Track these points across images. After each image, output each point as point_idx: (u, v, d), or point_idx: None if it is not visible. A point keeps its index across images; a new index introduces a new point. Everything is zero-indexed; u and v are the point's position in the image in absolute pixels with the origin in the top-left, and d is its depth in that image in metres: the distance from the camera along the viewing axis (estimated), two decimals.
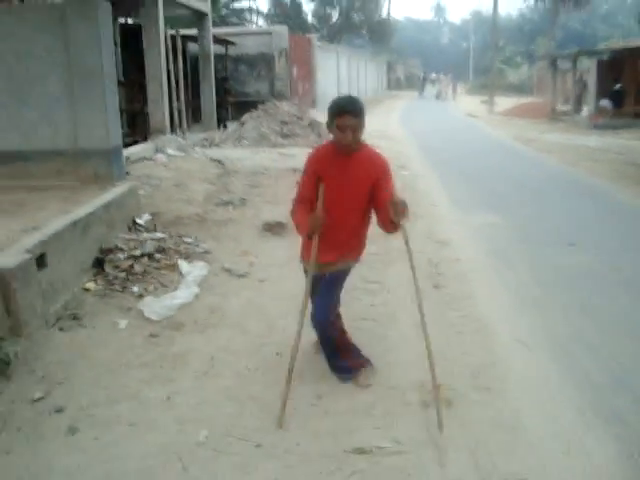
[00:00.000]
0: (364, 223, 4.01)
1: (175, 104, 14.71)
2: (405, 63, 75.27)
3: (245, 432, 3.56)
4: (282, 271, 6.25)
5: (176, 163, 10.87)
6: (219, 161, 11.53)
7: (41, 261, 4.82)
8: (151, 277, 5.83)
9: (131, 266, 5.90)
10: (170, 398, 3.95)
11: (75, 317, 5.04)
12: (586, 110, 26.13)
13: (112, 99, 7.28)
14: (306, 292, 3.79)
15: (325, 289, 3.99)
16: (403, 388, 4.02)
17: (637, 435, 3.53)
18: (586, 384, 4.11)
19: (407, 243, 3.70)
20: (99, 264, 5.87)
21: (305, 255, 4.02)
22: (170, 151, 11.97)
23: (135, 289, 5.59)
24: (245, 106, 19.78)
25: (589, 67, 27.13)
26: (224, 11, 42.64)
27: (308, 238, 3.83)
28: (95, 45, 6.97)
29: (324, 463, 3.29)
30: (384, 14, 63.05)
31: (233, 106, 20.90)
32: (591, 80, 25.91)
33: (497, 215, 8.71)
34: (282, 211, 7.88)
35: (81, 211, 5.92)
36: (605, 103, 25.32)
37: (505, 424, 3.66)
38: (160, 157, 11.02)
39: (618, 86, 25.75)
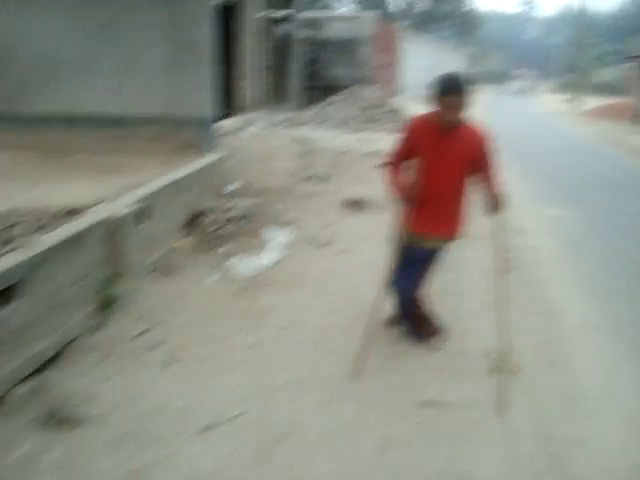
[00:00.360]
0: (461, 196, 4.04)
1: (263, 83, 15.11)
2: (490, 56, 74.24)
3: (322, 379, 3.87)
4: (361, 244, 6.54)
5: (262, 139, 11.28)
6: (303, 140, 11.87)
7: (142, 215, 5.23)
8: (238, 240, 6.20)
9: (219, 228, 6.28)
10: (254, 345, 4.29)
11: (169, 270, 5.45)
12: None
13: (209, 73, 7.68)
14: (392, 261, 3.97)
15: (419, 263, 4.10)
16: (473, 354, 4.26)
17: None
18: None
19: (498, 233, 3.93)
20: (190, 224, 6.28)
21: (406, 223, 4.03)
22: (256, 127, 12.39)
23: (222, 249, 5.97)
24: (329, 89, 20.12)
25: None
26: None
27: (405, 204, 3.95)
28: (199, 21, 7.39)
29: (393, 411, 3.57)
30: (470, 6, 62.30)
31: (317, 89, 21.21)
32: None
33: (574, 209, 8.80)
34: (362, 189, 8.17)
35: (177, 174, 6.34)
36: None
37: (566, 394, 3.87)
38: (248, 132, 11.44)
39: None
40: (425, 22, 53.93)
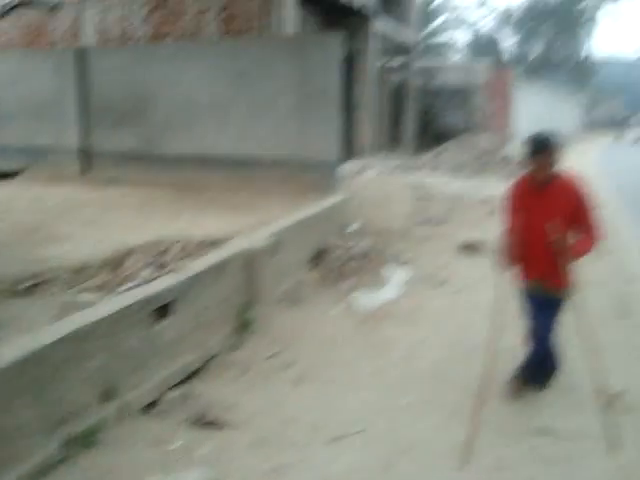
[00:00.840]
0: (565, 248, 4.08)
1: (379, 129, 15.64)
2: (607, 103, 72.52)
3: (440, 404, 4.16)
4: (476, 285, 6.77)
5: (379, 182, 11.71)
6: (419, 185, 12.23)
7: (275, 248, 5.71)
8: (359, 276, 6.59)
9: (343, 265, 6.69)
10: (377, 371, 4.64)
11: (296, 300, 5.89)
12: None
13: (336, 118, 8.18)
14: (497, 315, 3.98)
15: (547, 309, 4.23)
16: (583, 391, 4.43)
17: None
18: None
19: (571, 273, 4.04)
20: (316, 260, 6.72)
21: (521, 275, 4.28)
22: (374, 171, 12.86)
23: (345, 284, 6.37)
24: (442, 136, 20.48)
25: None
26: (423, 43, 43.65)
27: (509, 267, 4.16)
28: (326, 70, 7.93)
29: (508, 435, 3.82)
30: (586, 52, 61.32)
31: (431, 135, 21.60)
32: None
33: None
34: (477, 233, 8.42)
35: (304, 213, 6.82)
36: None
37: None
38: (366, 175, 11.91)
39: None
40: (539, 68, 53.49)
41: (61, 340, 3.24)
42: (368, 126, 14.39)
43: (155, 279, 4.31)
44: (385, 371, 4.65)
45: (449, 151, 17.73)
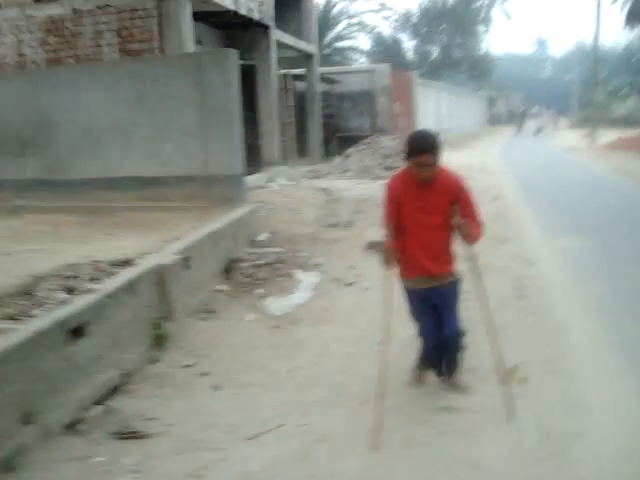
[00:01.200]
0: (450, 238, 4.27)
1: (285, 138, 15.93)
2: (506, 98, 75.16)
3: (350, 396, 4.44)
4: (382, 283, 7.10)
5: (287, 191, 11.98)
6: (326, 190, 12.55)
7: (185, 263, 5.88)
8: (271, 282, 6.83)
9: (254, 273, 6.92)
10: (291, 371, 4.89)
11: (210, 311, 6.09)
12: None
13: (237, 133, 8.41)
14: (387, 311, 4.20)
15: (450, 302, 4.32)
16: (482, 370, 4.79)
17: None
18: None
19: (475, 262, 4.16)
20: (228, 270, 6.92)
21: (405, 275, 4.33)
22: (281, 180, 13.12)
23: (258, 291, 6.60)
24: (348, 141, 20.95)
25: None
26: (327, 50, 44.28)
27: (390, 269, 4.20)
28: (225, 87, 8.15)
29: (417, 416, 4.12)
30: (484, 50, 63.40)
31: (337, 140, 22.03)
32: None
33: (582, 239, 9.29)
34: (383, 233, 8.77)
35: (214, 226, 7.02)
36: None
37: (569, 398, 4.38)
38: (273, 185, 12.17)
39: None
40: (440, 68, 55.02)
41: None
42: (274, 136, 14.65)
43: (68, 302, 4.42)
44: (299, 369, 4.90)
45: (356, 155, 18.15)
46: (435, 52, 56.57)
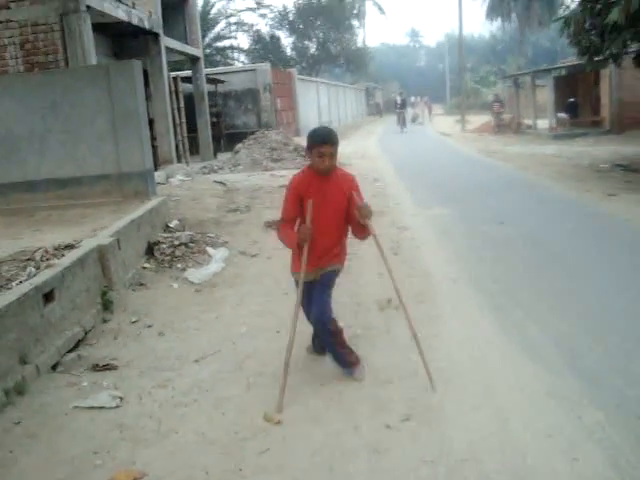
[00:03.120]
0: (344, 232, 4.69)
1: (178, 138, 17.02)
2: (384, 88, 78.08)
3: (267, 329, 5.78)
4: (282, 252, 8.39)
5: (187, 185, 13.18)
6: (222, 182, 13.81)
7: (118, 244, 7.04)
8: (188, 258, 8.06)
9: (173, 252, 8.12)
10: (218, 317, 6.19)
11: (141, 283, 7.26)
12: (546, 122, 28.60)
13: (145, 134, 9.56)
14: (298, 302, 4.47)
15: (321, 290, 4.61)
16: (367, 303, 6.26)
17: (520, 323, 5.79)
18: (491, 301, 6.33)
19: (378, 243, 4.62)
20: (149, 252, 8.09)
21: (295, 267, 4.69)
22: (179, 176, 14.26)
23: (178, 266, 7.84)
24: (236, 137, 22.24)
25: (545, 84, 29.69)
26: (207, 50, 45.20)
27: (298, 248, 4.48)
28: (131, 94, 9.27)
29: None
30: (360, 42, 65.66)
31: (226, 137, 23.24)
32: (549, 95, 28.48)
33: (448, 208, 11.06)
34: (276, 213, 10.16)
35: (134, 214, 8.16)
36: (562, 115, 27.92)
37: (431, 315, 5.91)
38: (173, 181, 13.31)
39: (572, 99, 28.37)
40: (318, 63, 56.77)
41: None
42: (169, 136, 15.73)
43: (36, 275, 5.55)
44: (224, 316, 6.22)
45: (245, 149, 19.43)
46: (313, 47, 58.07)
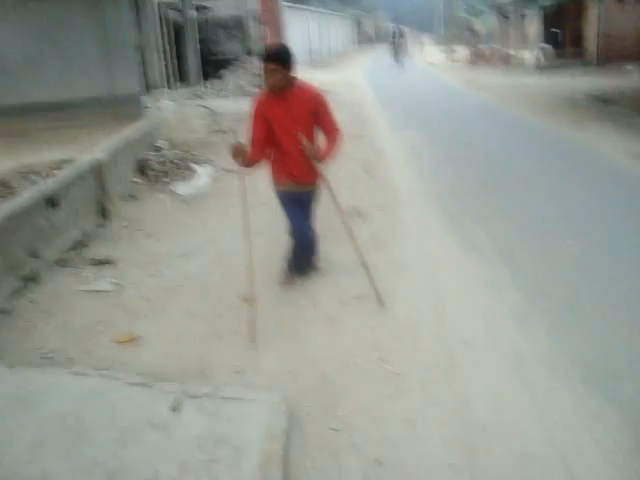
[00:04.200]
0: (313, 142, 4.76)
1: (167, 64, 17.44)
2: (374, 18, 77.30)
3: (250, 231, 6.54)
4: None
5: (174, 108, 13.73)
6: (208, 107, 14.36)
7: (112, 159, 7.72)
8: (175, 174, 8.75)
9: (160, 168, 8.81)
10: (203, 223, 6.96)
11: (132, 196, 7.97)
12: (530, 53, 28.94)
13: (134, 59, 10.13)
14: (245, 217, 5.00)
15: (309, 205, 5.03)
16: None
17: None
18: (445, 210, 7.12)
19: (324, 176, 4.85)
20: (139, 168, 8.78)
21: (275, 178, 5.02)
22: (166, 101, 14.79)
23: (165, 180, 8.53)
24: (222, 64, 22.56)
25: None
26: None
27: (242, 166, 4.74)
28: (122, 22, 9.81)
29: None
30: None
31: (211, 64, 23.55)
32: (535, 26, 28.77)
33: (420, 131, 11.77)
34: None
35: (125, 133, 8.82)
36: (545, 46, 28.28)
37: (391, 222, 6.68)
38: (161, 105, 13.85)
39: (556, 30, 28.69)
40: None
41: (8, 217, 5.20)
42: (156, 63, 16.17)
43: (41, 184, 6.26)
44: (208, 223, 6.98)
45: (230, 76, 19.86)
46: None
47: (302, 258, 5.19)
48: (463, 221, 6.69)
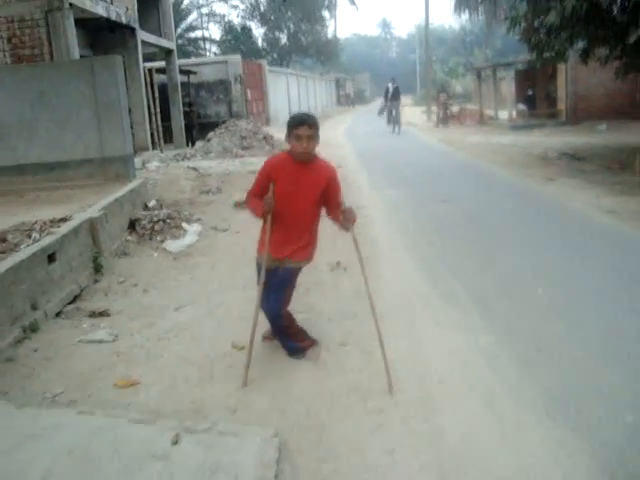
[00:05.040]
0: (314, 223, 4.65)
1: (153, 126, 18.01)
2: (354, 79, 79.19)
3: (235, 285, 6.89)
4: (249, 227, 9.53)
5: (163, 170, 14.22)
6: (195, 168, 14.85)
7: (105, 218, 8.09)
8: (166, 232, 9.12)
9: (152, 227, 9.18)
10: (193, 278, 7.29)
11: (125, 253, 8.33)
12: (506, 113, 29.92)
13: (126, 122, 10.60)
14: (261, 285, 4.53)
15: (278, 286, 4.63)
16: (320, 265, 7.38)
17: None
18: (424, 263, 7.53)
19: (355, 241, 4.74)
20: (131, 227, 9.14)
21: (261, 249, 4.72)
22: (155, 163, 15.28)
23: (158, 239, 8.90)
24: (208, 126, 23.25)
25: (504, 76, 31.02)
26: (180, 41, 45.95)
27: (262, 218, 4.53)
28: (114, 85, 10.30)
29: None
30: (331, 34, 66.64)
31: (198, 127, 24.23)
32: (509, 87, 29.84)
33: (401, 189, 12.28)
34: (245, 195, 11.28)
35: (118, 193, 9.21)
36: (521, 107, 29.27)
37: (374, 276, 7.03)
38: (150, 166, 14.33)
39: (530, 92, 29.73)
40: (289, 54, 57.68)
41: (10, 270, 5.53)
42: (144, 125, 16.73)
43: (40, 240, 6.60)
44: (198, 278, 7.32)
45: (216, 138, 20.45)
46: (284, 38, 58.88)
47: (275, 329, 4.98)
48: (440, 272, 7.08)
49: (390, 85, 28.26)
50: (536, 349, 4.96)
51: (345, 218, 4.45)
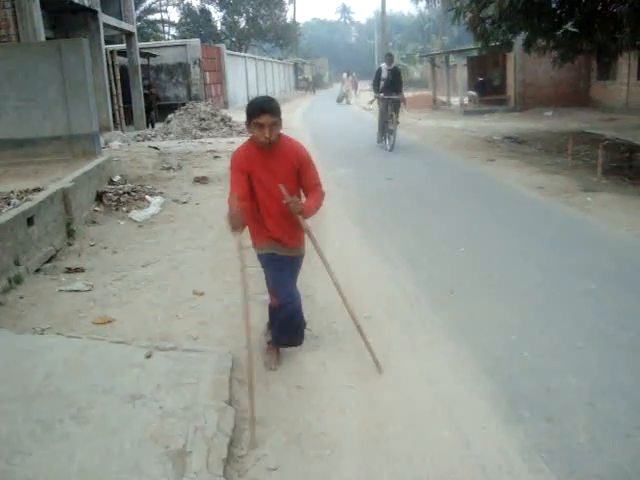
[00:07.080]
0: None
1: (115, 107, 18.62)
2: (313, 64, 79.78)
3: (199, 246, 7.72)
4: (208, 200, 10.43)
5: (125, 149, 14.92)
6: (156, 147, 15.58)
7: (75, 189, 8.83)
8: (131, 204, 9.90)
9: (118, 199, 9.95)
10: (157, 242, 8.11)
11: (94, 221, 9.09)
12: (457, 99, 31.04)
13: (92, 101, 11.29)
14: (243, 282, 3.98)
15: (289, 274, 4.53)
16: None
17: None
18: (365, 230, 8.45)
19: (309, 232, 4.38)
20: (99, 199, 9.90)
21: (257, 242, 4.47)
22: (117, 142, 15.95)
23: (123, 209, 9.67)
24: (167, 108, 23.88)
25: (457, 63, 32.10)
26: (139, 23, 46.10)
27: (233, 233, 3.95)
28: (80, 67, 10.98)
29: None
30: (290, 18, 67.17)
31: (158, 108, 24.82)
32: (462, 74, 30.95)
33: (350, 168, 13.17)
34: (205, 171, 12.07)
35: (86, 168, 9.94)
36: (472, 93, 30.40)
37: (321, 241, 7.94)
38: (113, 145, 15.02)
39: (481, 78, 30.88)
40: (247, 38, 58.14)
41: None
42: (106, 106, 17.34)
43: (19, 205, 7.35)
44: (162, 241, 8.14)
45: (176, 119, 21.14)
46: (242, 22, 59.26)
47: (289, 327, 4.61)
48: (378, 237, 8.03)
49: (384, 67, 17.06)
50: (450, 292, 5.94)
51: (289, 210, 4.09)
